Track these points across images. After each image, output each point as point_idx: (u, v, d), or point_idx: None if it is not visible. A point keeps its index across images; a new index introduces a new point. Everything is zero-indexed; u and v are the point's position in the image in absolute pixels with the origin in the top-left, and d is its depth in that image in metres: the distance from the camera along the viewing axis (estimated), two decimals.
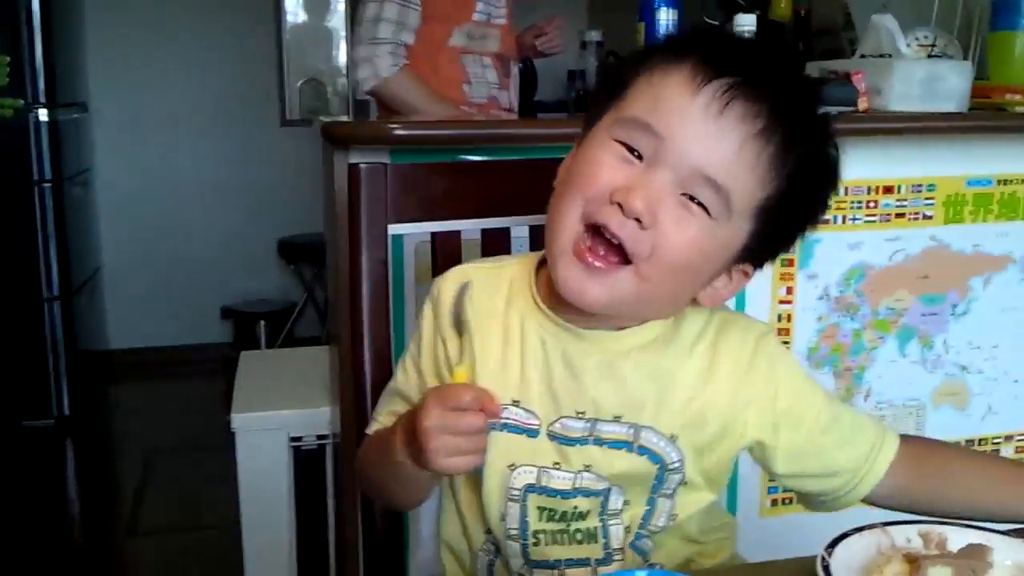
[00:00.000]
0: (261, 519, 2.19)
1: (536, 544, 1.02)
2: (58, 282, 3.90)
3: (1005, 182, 2.00)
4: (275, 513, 2.21)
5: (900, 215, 1.94)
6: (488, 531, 1.05)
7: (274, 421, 2.12)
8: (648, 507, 1.01)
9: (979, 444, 2.11)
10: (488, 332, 1.00)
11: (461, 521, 1.07)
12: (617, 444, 0.97)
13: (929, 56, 2.00)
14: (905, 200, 1.94)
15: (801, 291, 1.92)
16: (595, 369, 0.97)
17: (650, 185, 0.87)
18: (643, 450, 0.97)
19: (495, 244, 1.26)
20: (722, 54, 0.89)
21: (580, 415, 0.97)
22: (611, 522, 1.01)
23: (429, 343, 1.05)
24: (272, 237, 4.67)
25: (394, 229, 1.19)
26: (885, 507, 1.03)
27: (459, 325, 1.02)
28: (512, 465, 0.99)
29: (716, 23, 0.90)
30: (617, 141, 0.89)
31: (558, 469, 0.99)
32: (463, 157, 1.62)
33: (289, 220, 4.60)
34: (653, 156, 0.88)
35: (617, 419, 0.97)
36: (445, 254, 1.23)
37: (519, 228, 1.28)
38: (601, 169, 0.89)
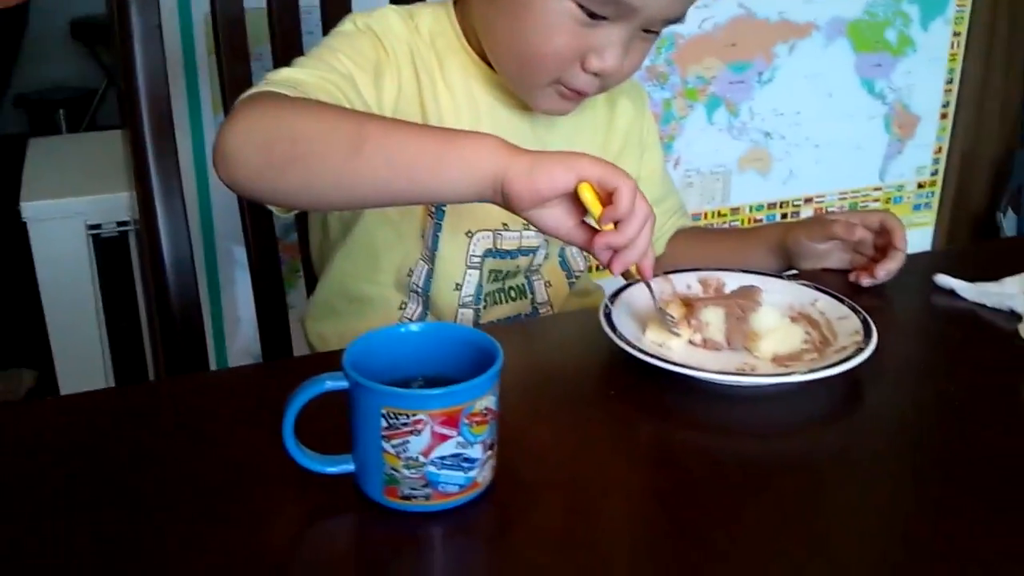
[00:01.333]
0: (65, 313, 2.09)
1: (485, 307, 1.05)
2: None
3: None
4: (80, 306, 2.12)
5: None
6: (416, 295, 1.04)
7: (68, 208, 1.99)
8: (560, 258, 1.09)
9: (780, 207, 2.21)
10: (436, 92, 0.98)
11: (362, 289, 1.05)
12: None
13: None
14: None
15: None
16: (536, 124, 1.02)
17: (618, 45, 0.89)
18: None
19: (285, 14, 1.17)
20: None
21: None
22: (534, 278, 1.08)
23: (389, 71, 0.96)
24: (63, 18, 4.28)
25: None
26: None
27: None
28: (469, 232, 1.01)
29: None
30: (579, 6, 0.87)
31: (507, 229, 1.02)
32: None
33: None
34: (620, 16, 0.88)
35: None
36: (226, 20, 1.14)
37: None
38: (569, 39, 0.89)
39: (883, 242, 1.00)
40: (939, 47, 2.21)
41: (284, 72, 0.88)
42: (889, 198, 2.31)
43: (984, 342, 0.91)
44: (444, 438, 0.61)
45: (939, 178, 2.35)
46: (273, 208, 0.88)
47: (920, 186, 2.34)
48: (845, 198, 2.26)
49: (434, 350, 0.69)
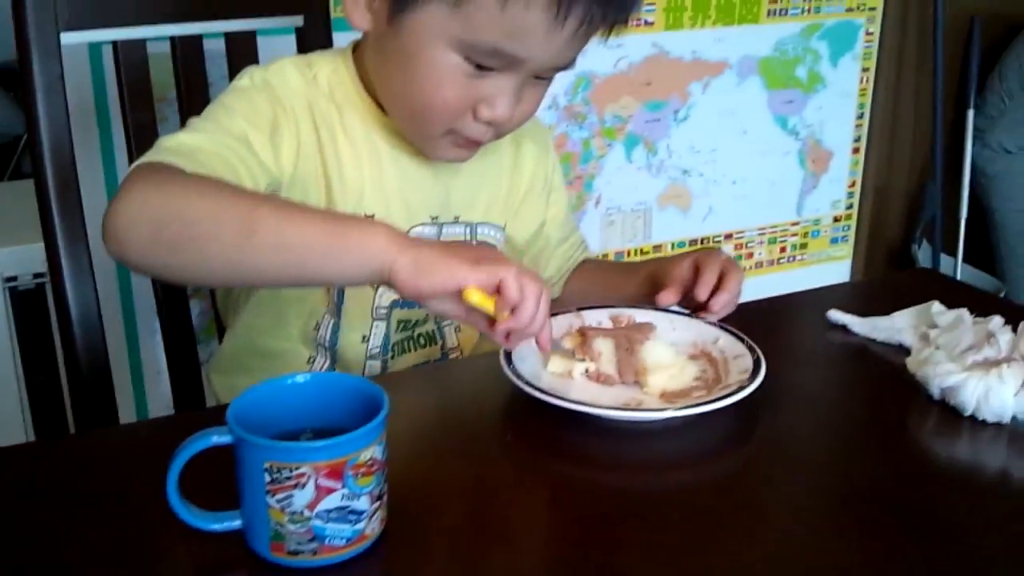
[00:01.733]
0: None
1: (393, 357, 1.05)
2: None
3: None
4: None
5: (628, 16, 1.95)
6: (323, 349, 1.03)
7: None
8: None
9: (701, 243, 2.25)
10: (337, 145, 0.98)
11: (269, 343, 1.04)
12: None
13: None
14: None
15: None
16: (440, 171, 1.02)
17: (508, 94, 0.90)
18: (479, 244, 1.05)
19: (188, 57, 1.18)
20: None
21: (434, 220, 1.02)
22: (444, 324, 1.08)
23: (287, 128, 0.95)
24: None
25: (68, 38, 1.08)
26: None
27: None
28: (375, 284, 1.00)
29: None
30: (465, 58, 0.88)
31: None
32: None
33: (5, 43, 4.14)
34: (506, 66, 0.88)
35: (456, 219, 1.04)
36: (130, 67, 1.13)
37: (213, 41, 1.19)
38: (459, 90, 0.90)
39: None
40: (849, 83, 2.28)
41: (179, 137, 0.87)
42: (807, 232, 2.37)
43: (873, 376, 0.94)
44: (329, 491, 0.61)
45: (854, 211, 2.41)
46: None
47: (836, 220, 2.40)
48: (764, 233, 2.31)
49: (322, 401, 0.69)
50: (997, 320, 0.91)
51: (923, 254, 2.42)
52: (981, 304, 0.97)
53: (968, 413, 0.83)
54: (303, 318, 1.03)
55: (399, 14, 0.88)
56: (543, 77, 0.93)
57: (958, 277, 2.40)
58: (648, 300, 1.02)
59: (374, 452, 0.63)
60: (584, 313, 0.95)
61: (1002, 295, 2.37)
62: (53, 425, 2.11)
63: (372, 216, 0.98)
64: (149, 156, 0.83)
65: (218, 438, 0.63)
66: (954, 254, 2.42)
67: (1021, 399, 0.82)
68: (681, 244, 2.22)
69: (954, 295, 1.00)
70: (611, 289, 1.10)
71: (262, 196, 0.84)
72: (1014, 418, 0.83)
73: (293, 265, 0.77)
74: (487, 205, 1.07)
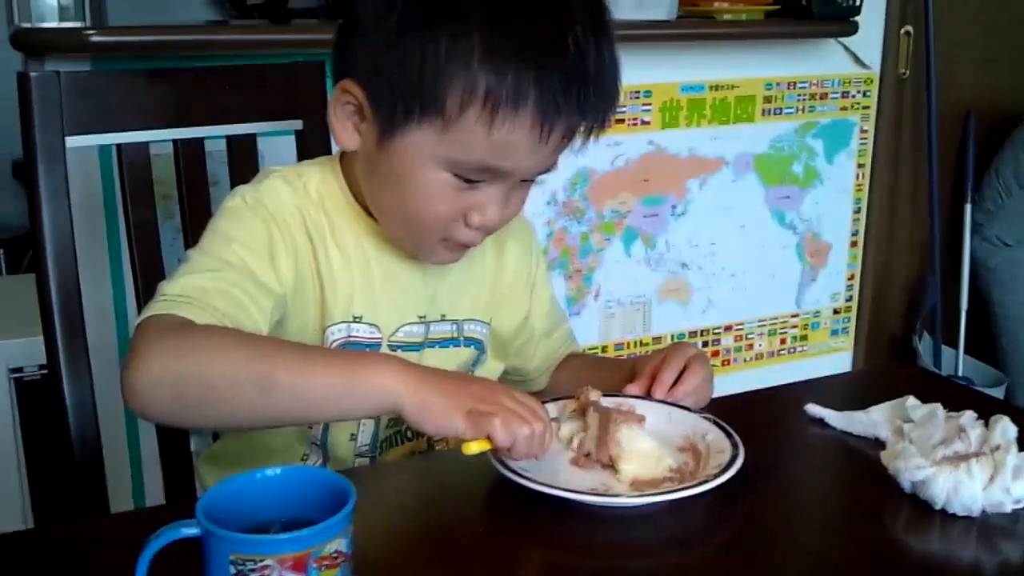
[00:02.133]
0: None
1: (382, 452, 1.07)
2: None
3: (716, 88, 2.11)
4: (1, 453, 2.09)
5: (619, 121, 2.02)
6: (316, 447, 1.05)
7: None
8: None
9: (701, 335, 2.26)
10: (328, 252, 1.01)
11: (267, 440, 1.06)
12: (446, 343, 1.07)
13: None
14: (623, 106, 2.01)
15: (529, 197, 1.97)
16: (427, 272, 1.05)
17: (497, 201, 0.93)
18: (468, 341, 1.08)
19: (189, 158, 1.22)
20: (557, 96, 0.88)
21: (421, 319, 1.04)
22: None
23: (285, 251, 0.98)
24: (6, 157, 4.33)
25: (73, 142, 1.13)
26: None
27: None
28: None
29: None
30: (454, 175, 0.92)
31: None
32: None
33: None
34: (496, 179, 0.92)
35: (443, 317, 1.06)
36: (132, 168, 1.18)
37: (216, 142, 1.24)
38: (449, 204, 0.93)
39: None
40: (845, 178, 2.32)
41: (181, 282, 0.89)
42: (807, 324, 2.38)
43: (849, 469, 0.95)
44: None
45: (854, 304, 2.43)
46: None
47: (836, 312, 2.41)
48: (764, 325, 2.33)
49: (293, 495, 0.70)
50: (969, 415, 0.92)
51: (924, 346, 2.43)
52: (956, 398, 0.98)
53: (939, 507, 0.84)
54: None
55: (388, 138, 0.92)
56: (528, 179, 0.97)
57: (959, 369, 2.40)
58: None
59: (339, 544, 0.64)
60: (597, 393, 0.97)
61: (1005, 386, 2.37)
62: (54, 514, 2.12)
63: (360, 317, 1.01)
64: (156, 307, 0.87)
65: (186, 530, 0.64)
66: (955, 346, 2.42)
67: (990, 493, 0.83)
68: (681, 336, 2.24)
69: (930, 388, 1.02)
70: (595, 383, 1.12)
71: (275, 346, 0.88)
72: (983, 512, 0.83)
73: (313, 412, 0.86)
74: (472, 302, 1.10)
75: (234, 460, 1.11)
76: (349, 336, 1.01)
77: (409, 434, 1.10)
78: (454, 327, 1.08)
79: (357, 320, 1.01)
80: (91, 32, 1.49)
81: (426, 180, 0.92)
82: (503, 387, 0.85)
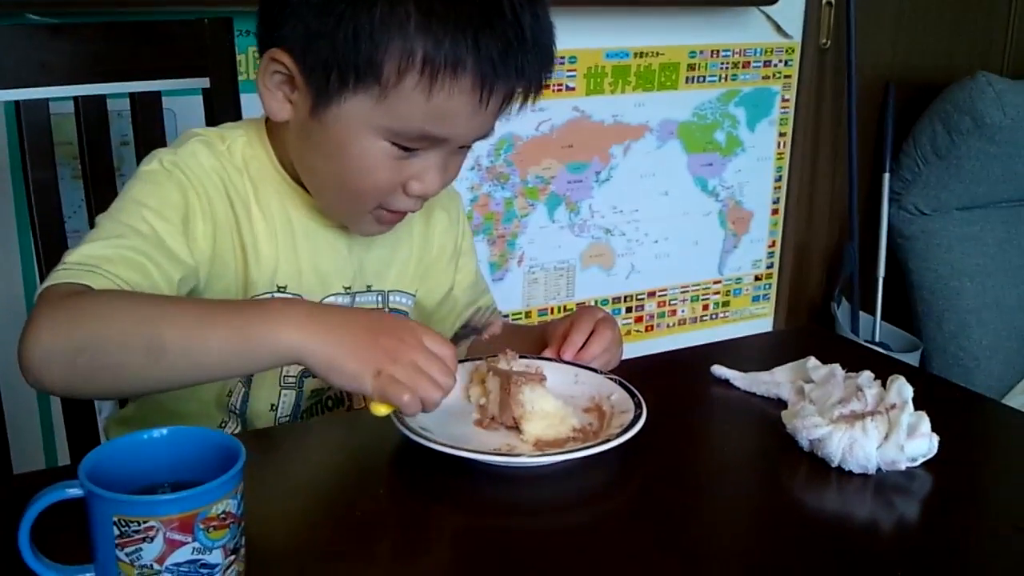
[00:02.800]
0: None
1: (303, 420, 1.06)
2: None
3: (641, 55, 2.11)
4: None
5: (545, 87, 2.00)
6: (234, 415, 1.04)
7: None
8: None
9: (625, 300, 2.28)
10: (251, 219, 0.99)
11: (181, 406, 1.04)
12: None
13: None
14: None
15: None
16: (354, 244, 1.04)
17: (436, 168, 0.93)
18: (392, 312, 1.07)
19: (92, 118, 1.19)
20: (495, 60, 0.87)
21: (347, 290, 1.03)
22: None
23: (201, 210, 0.95)
24: None
25: None
26: None
27: None
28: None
29: None
30: (392, 144, 0.91)
31: None
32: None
33: None
34: (434, 146, 0.92)
35: (369, 288, 1.06)
36: (32, 127, 1.14)
37: (119, 101, 1.21)
38: (388, 173, 0.93)
39: None
40: (766, 147, 2.35)
41: (83, 250, 0.87)
42: (728, 291, 2.41)
43: (751, 427, 0.96)
44: (178, 544, 0.61)
45: (775, 271, 2.47)
46: None
47: (757, 279, 2.45)
48: (687, 291, 2.35)
49: (182, 456, 0.69)
50: (866, 375, 0.94)
51: (843, 312, 2.48)
52: (857, 359, 1.00)
53: (835, 465, 0.85)
54: (216, 385, 1.03)
55: (323, 108, 0.91)
56: (465, 146, 0.97)
57: (876, 335, 2.45)
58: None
59: (227, 505, 0.63)
60: (508, 355, 0.96)
61: (920, 352, 2.43)
62: None
63: (284, 288, 1.00)
64: (56, 276, 0.85)
65: (71, 491, 0.63)
66: (873, 312, 2.48)
67: (885, 451, 0.85)
68: (604, 302, 2.25)
69: (834, 350, 1.04)
70: (510, 349, 1.12)
71: (167, 307, 0.84)
72: (879, 469, 0.85)
73: (208, 374, 0.84)
74: (398, 274, 1.10)
75: (145, 425, 1.08)
76: None
77: (329, 404, 1.09)
78: (379, 297, 1.08)
79: (281, 290, 1.00)
80: None
81: (363, 149, 0.91)
82: (416, 336, 0.81)
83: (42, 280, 0.89)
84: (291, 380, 1.04)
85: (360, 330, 0.80)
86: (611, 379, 0.96)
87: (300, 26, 0.90)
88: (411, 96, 0.87)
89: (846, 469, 0.85)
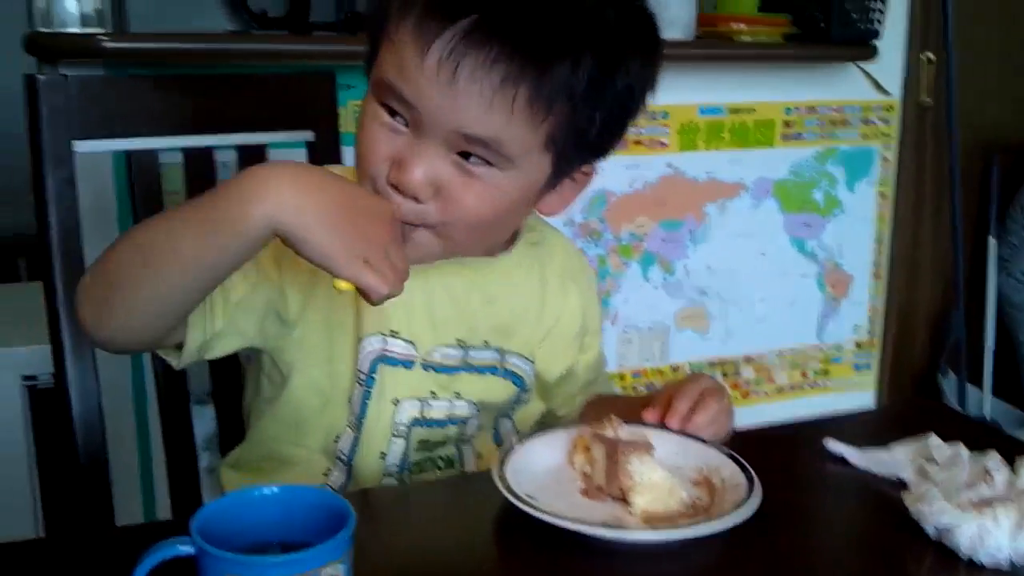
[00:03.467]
0: None
1: (411, 476, 1.03)
2: None
3: (735, 111, 2.09)
4: (11, 455, 2.08)
5: (637, 143, 2.00)
6: (341, 462, 1.02)
7: (3, 358, 1.99)
8: (494, 429, 1.08)
9: (721, 365, 2.23)
10: None
11: (287, 451, 1.03)
12: (484, 370, 1.01)
13: None
14: (641, 127, 1.99)
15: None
16: (473, 295, 1.00)
17: (420, 157, 0.84)
18: (507, 372, 1.03)
19: (199, 168, 1.21)
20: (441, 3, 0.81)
21: (460, 343, 1.00)
22: (465, 447, 1.06)
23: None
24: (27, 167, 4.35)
25: (81, 147, 1.11)
26: None
27: None
28: (396, 400, 0.99)
29: None
30: (381, 105, 0.86)
31: (435, 398, 1.00)
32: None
33: None
34: (414, 123, 0.85)
35: (487, 344, 1.01)
36: (141, 175, 1.17)
37: (225, 152, 1.23)
38: (374, 143, 0.86)
39: None
40: (866, 207, 2.29)
41: None
42: (828, 357, 2.34)
43: (871, 510, 0.91)
44: None
45: (877, 338, 2.39)
46: (165, 356, 0.92)
47: (859, 345, 2.37)
48: (784, 357, 2.29)
49: (293, 514, 0.68)
50: (994, 456, 0.88)
51: (948, 384, 2.38)
52: (979, 437, 0.95)
53: (964, 555, 0.80)
54: (324, 429, 1.01)
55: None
56: (472, 156, 0.86)
57: (986, 410, 2.35)
58: None
59: (337, 569, 0.62)
60: (613, 422, 0.92)
61: None
62: (65, 522, 2.11)
63: (397, 332, 0.98)
64: None
65: (182, 548, 0.62)
66: (981, 385, 2.38)
67: (1018, 542, 0.79)
68: (699, 366, 2.20)
69: (953, 427, 0.99)
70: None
71: (160, 215, 0.85)
72: (1011, 562, 0.79)
73: (192, 271, 0.79)
74: (519, 336, 1.05)
75: (255, 469, 1.07)
76: (384, 349, 0.97)
77: (441, 463, 1.06)
78: (497, 355, 1.03)
79: (394, 334, 0.98)
80: (105, 37, 1.46)
81: (366, 111, 0.88)
82: (390, 230, 0.80)
83: None
84: (402, 428, 1.01)
85: (336, 208, 0.77)
86: (722, 452, 0.92)
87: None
88: (385, 40, 0.85)
89: (977, 561, 0.80)
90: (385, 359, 0.98)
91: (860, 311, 2.35)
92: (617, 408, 1.13)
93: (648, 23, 0.90)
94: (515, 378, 1.04)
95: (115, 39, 1.45)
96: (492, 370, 1.03)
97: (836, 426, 1.06)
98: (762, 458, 0.90)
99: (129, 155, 1.16)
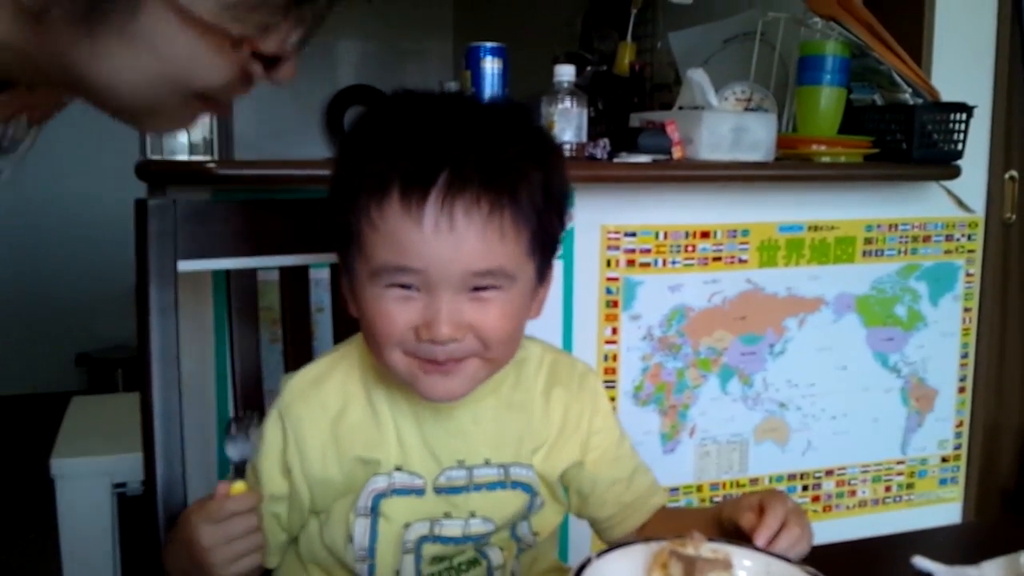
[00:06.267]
0: (83, 568, 2.11)
1: None
2: None
3: (815, 228, 2.10)
4: (98, 562, 2.13)
5: (717, 259, 2.02)
6: None
7: (96, 466, 2.06)
8: (510, 531, 1.09)
9: (801, 479, 2.19)
10: (354, 412, 1.03)
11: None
12: (493, 485, 1.05)
13: (746, 110, 2.09)
14: (721, 244, 2.02)
15: (625, 332, 1.97)
16: (464, 420, 1.04)
17: (442, 312, 0.92)
18: (515, 484, 1.06)
19: (294, 284, 1.26)
20: (416, 164, 0.90)
21: (461, 463, 1.03)
22: (486, 548, 1.08)
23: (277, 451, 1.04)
24: (125, 279, 4.54)
25: (184, 266, 1.18)
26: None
27: None
28: (407, 524, 1.03)
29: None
30: (389, 286, 0.94)
31: (448, 518, 1.04)
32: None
33: None
34: (425, 284, 0.92)
35: (488, 462, 1.05)
36: (239, 292, 1.23)
37: (319, 270, 1.29)
38: (394, 318, 0.94)
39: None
40: (951, 322, 2.26)
41: None
42: (913, 472, 2.29)
43: None
44: None
45: (963, 452, 2.33)
46: None
47: (944, 460, 2.31)
48: (868, 471, 2.24)
49: None
50: None
51: None
52: None
53: None
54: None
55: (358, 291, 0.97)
56: (481, 288, 0.94)
57: None
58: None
59: None
60: (695, 539, 0.92)
61: None
62: None
63: (401, 467, 1.03)
64: None
65: None
66: None
67: None
68: (779, 479, 2.17)
69: None
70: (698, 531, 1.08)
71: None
72: None
73: None
74: (516, 448, 1.07)
75: None
76: (391, 483, 1.02)
77: (463, 567, 1.07)
78: (500, 471, 1.06)
79: (399, 469, 1.03)
80: (214, 165, 1.56)
81: (372, 299, 0.94)
82: (206, 538, 0.92)
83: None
84: (410, 545, 1.04)
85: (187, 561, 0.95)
86: (807, 571, 0.91)
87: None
88: (366, 236, 0.92)
89: None
90: (396, 492, 1.02)
91: (946, 425, 2.30)
92: (674, 519, 1.14)
93: (546, 135, 1.06)
94: (523, 486, 1.07)
95: (223, 166, 1.55)
96: (500, 485, 1.05)
97: (924, 541, 1.05)
98: (847, 574, 0.89)
99: (228, 273, 1.22)
